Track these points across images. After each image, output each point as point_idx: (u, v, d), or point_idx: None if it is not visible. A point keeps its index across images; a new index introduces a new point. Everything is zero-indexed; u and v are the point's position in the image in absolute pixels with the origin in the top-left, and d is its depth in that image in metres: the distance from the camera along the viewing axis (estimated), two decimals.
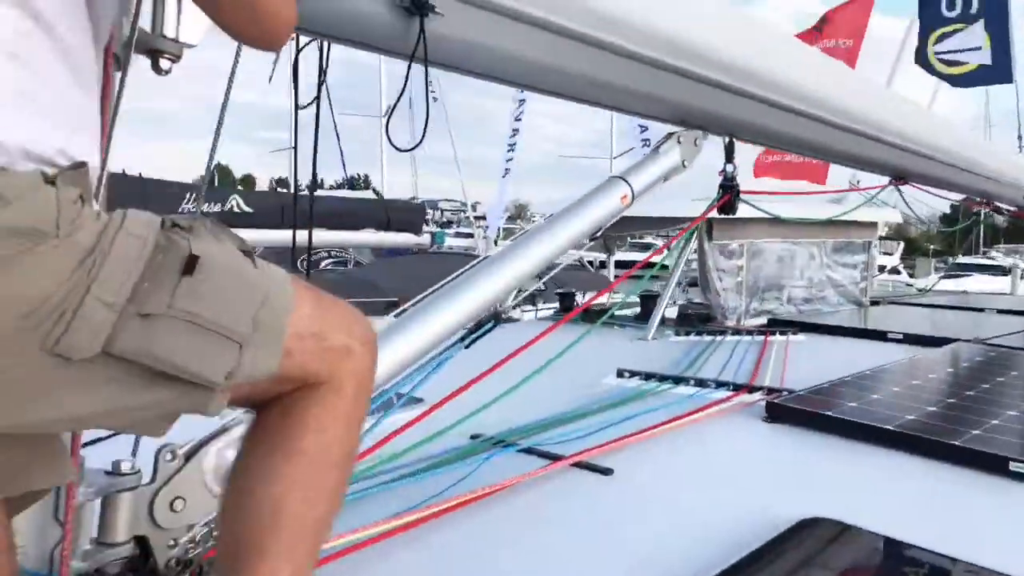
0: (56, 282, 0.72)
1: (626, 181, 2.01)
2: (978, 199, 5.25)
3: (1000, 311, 4.73)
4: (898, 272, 20.45)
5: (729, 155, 2.49)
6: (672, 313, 4.00)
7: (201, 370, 0.80)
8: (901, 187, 3.78)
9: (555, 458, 1.77)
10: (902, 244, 26.89)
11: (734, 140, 2.49)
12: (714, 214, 3.56)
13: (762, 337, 3.44)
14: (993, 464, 1.75)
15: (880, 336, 3.56)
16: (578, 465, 1.75)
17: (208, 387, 0.82)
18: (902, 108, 3.24)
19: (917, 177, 3.71)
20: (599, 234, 1.95)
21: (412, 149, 1.48)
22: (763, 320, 3.93)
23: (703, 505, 1.57)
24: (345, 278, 7.96)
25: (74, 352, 0.74)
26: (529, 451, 1.84)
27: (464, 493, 1.52)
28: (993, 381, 2.52)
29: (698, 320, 3.83)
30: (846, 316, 4.21)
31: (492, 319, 1.67)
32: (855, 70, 2.91)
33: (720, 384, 2.46)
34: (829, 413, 2.04)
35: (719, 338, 3.44)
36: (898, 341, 3.49)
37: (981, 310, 4.79)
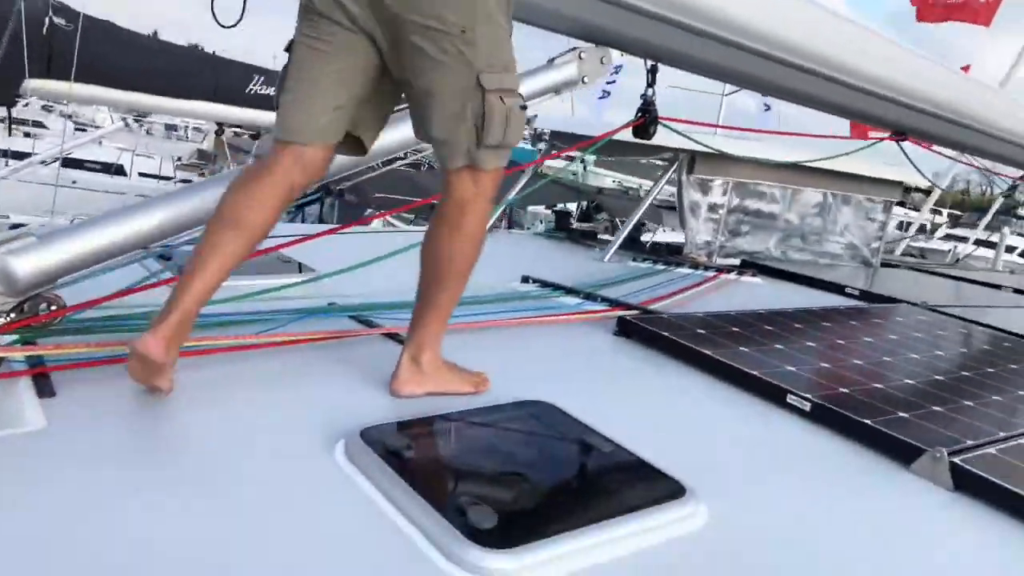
0: None
1: None
2: None
3: (1016, 290, 4.49)
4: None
5: (651, 80, 2.51)
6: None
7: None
8: (901, 143, 3.62)
9: (373, 326, 1.97)
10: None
11: (657, 65, 2.50)
12: (699, 148, 3.58)
13: (712, 273, 3.46)
14: (773, 394, 1.81)
15: (838, 290, 3.50)
16: (390, 336, 1.93)
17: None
18: (887, 53, 3.08)
19: (918, 134, 3.55)
20: None
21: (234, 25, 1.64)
22: (736, 261, 3.92)
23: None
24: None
25: None
26: (360, 320, 2.03)
27: (269, 333, 1.76)
28: (882, 337, 2.50)
29: (668, 251, 3.86)
30: (829, 271, 4.11)
31: (320, 191, 1.84)
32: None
33: (606, 300, 2.56)
34: (665, 334, 2.12)
35: (674, 269, 3.49)
36: (854, 297, 3.43)
37: (998, 287, 4.56)
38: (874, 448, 1.61)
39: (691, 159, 3.68)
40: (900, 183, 4.62)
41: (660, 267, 3.51)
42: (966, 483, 1.46)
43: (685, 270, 3.50)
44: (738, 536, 1.21)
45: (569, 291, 2.65)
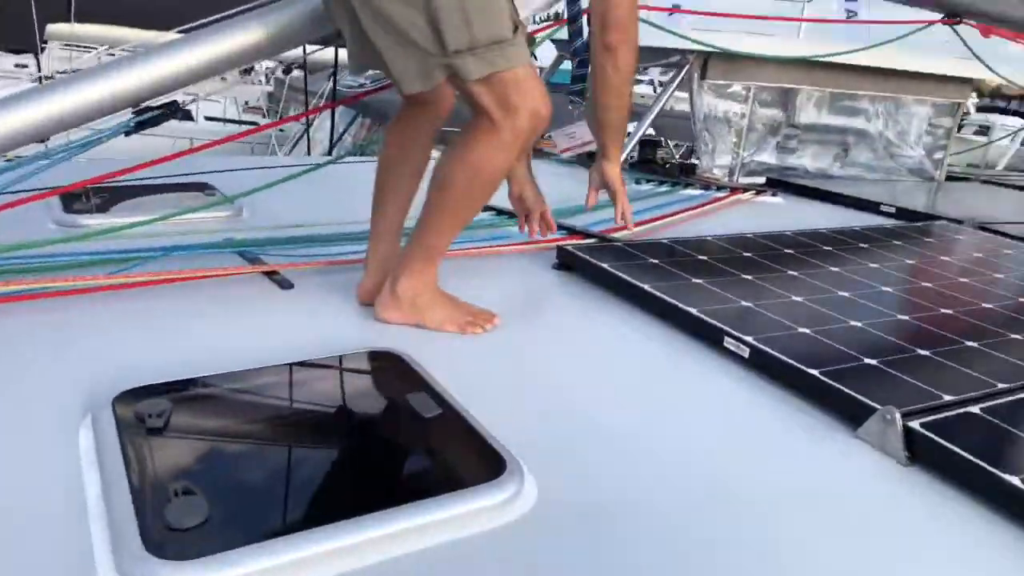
0: None
1: None
2: None
3: None
4: None
5: None
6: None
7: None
8: (955, 26, 3.05)
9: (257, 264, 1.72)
10: None
11: None
12: (712, 48, 3.12)
13: (720, 193, 3.04)
14: (710, 336, 1.47)
15: (871, 207, 3.02)
16: (268, 275, 1.68)
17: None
18: None
19: (975, 14, 2.98)
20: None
21: None
22: (762, 180, 3.46)
23: (349, 325, 1.47)
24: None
25: None
26: (246, 257, 1.77)
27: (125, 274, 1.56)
28: (892, 263, 2.08)
29: (681, 171, 3.43)
30: (874, 186, 3.58)
31: (168, 106, 1.58)
32: None
33: (563, 228, 2.21)
34: (604, 265, 1.79)
35: (680, 190, 3.08)
36: (888, 215, 2.95)
37: None
38: (819, 405, 1.26)
39: (703, 62, 3.22)
40: (968, 80, 3.99)
41: (664, 188, 3.11)
42: (920, 450, 1.10)
43: (694, 191, 3.09)
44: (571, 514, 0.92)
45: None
